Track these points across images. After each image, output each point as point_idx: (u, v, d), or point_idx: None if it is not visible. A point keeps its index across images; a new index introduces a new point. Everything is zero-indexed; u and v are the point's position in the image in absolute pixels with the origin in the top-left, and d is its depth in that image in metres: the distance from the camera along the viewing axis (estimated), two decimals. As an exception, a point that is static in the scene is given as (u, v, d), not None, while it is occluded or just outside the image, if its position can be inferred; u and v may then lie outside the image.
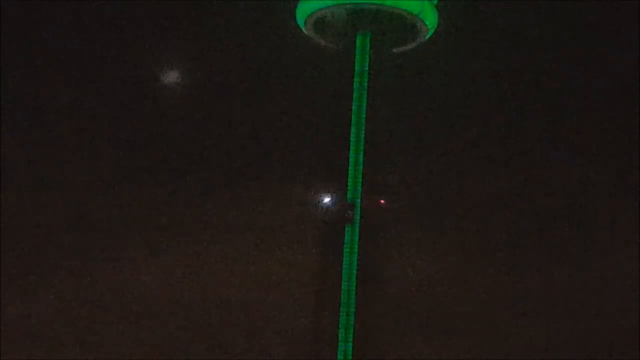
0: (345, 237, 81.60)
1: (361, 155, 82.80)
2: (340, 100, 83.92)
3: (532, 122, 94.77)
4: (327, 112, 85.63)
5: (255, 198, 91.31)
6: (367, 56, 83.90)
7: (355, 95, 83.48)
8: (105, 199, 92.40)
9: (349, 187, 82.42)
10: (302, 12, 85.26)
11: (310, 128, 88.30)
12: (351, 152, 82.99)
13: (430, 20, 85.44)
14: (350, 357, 79.34)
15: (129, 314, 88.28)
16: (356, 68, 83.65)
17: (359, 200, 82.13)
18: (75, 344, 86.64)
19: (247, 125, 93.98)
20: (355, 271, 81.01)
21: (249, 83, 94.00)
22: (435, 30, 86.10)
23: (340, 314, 79.97)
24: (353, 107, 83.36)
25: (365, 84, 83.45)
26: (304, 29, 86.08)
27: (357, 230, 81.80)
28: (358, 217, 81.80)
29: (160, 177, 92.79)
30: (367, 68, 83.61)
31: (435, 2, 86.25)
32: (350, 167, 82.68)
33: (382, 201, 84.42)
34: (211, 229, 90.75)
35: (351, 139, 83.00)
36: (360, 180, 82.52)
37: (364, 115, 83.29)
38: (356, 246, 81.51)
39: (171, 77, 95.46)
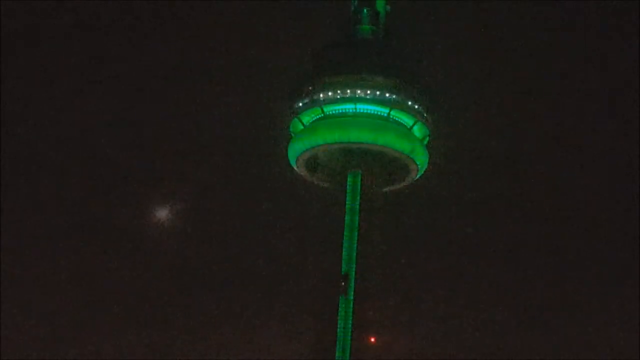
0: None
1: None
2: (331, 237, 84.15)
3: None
4: (319, 252, 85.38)
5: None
6: (358, 194, 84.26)
7: (346, 232, 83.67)
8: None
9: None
10: (294, 151, 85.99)
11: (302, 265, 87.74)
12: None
13: (420, 159, 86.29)
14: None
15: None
16: (347, 205, 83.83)
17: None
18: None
19: (240, 259, 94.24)
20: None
21: (241, 219, 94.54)
22: (426, 169, 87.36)
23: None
24: (344, 244, 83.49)
25: (356, 221, 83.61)
26: (295, 168, 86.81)
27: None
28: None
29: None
30: (358, 205, 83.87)
31: (426, 142, 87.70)
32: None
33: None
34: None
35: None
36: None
37: (354, 254, 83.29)
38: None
39: (164, 217, 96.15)
